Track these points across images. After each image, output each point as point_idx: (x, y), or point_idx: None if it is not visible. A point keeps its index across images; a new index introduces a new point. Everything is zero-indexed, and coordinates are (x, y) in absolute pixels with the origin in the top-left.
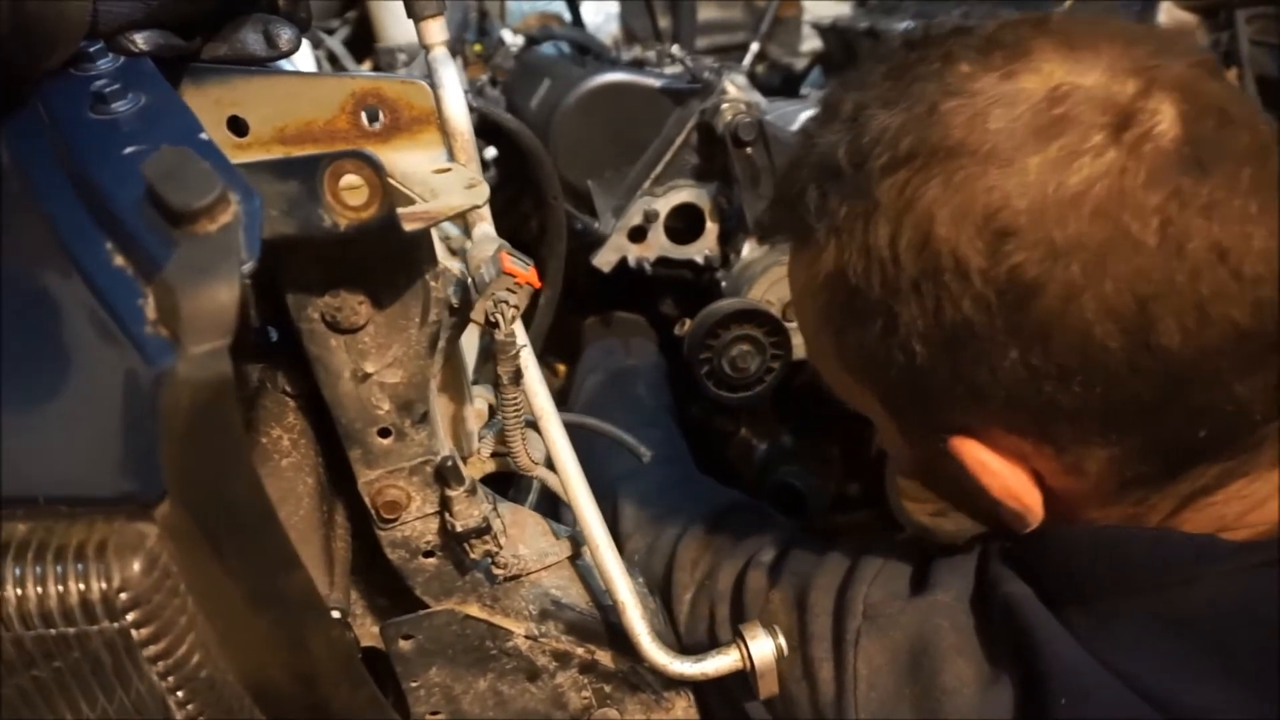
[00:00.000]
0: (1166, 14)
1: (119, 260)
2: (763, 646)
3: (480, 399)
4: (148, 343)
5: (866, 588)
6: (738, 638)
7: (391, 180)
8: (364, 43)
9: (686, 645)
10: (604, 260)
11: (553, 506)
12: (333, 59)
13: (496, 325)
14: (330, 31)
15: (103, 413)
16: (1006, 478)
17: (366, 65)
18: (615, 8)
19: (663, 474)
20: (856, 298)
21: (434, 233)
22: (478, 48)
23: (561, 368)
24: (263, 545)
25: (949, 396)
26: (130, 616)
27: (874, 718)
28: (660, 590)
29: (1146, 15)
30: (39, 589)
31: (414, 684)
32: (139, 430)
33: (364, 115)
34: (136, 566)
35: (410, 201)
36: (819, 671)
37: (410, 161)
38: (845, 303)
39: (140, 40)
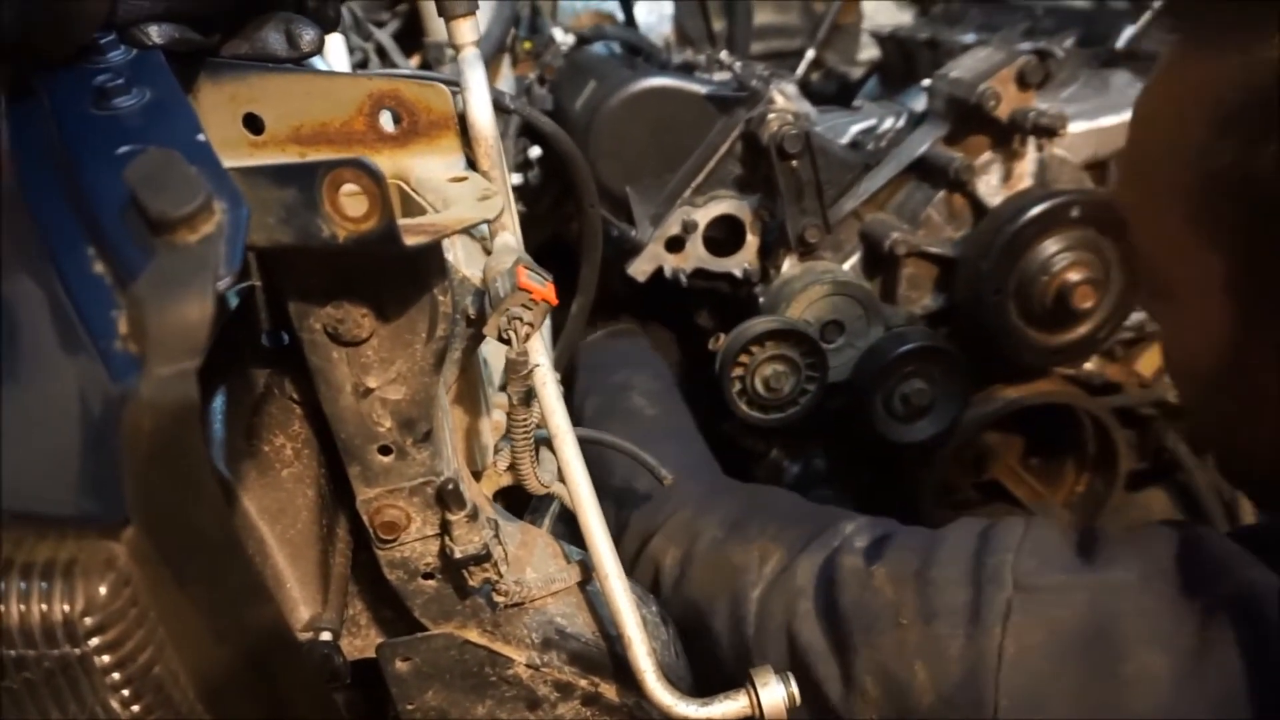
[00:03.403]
0: None
1: (98, 267)
2: (774, 693)
3: (500, 409)
4: (115, 359)
5: (1013, 556)
6: (748, 683)
7: (405, 188)
8: (413, 37)
9: (757, 648)
10: (639, 270)
11: (573, 524)
12: (381, 53)
13: (509, 343)
14: (380, 24)
15: (70, 427)
16: None
17: (415, 60)
18: (670, 8)
19: (689, 487)
20: None
21: (472, 233)
22: (528, 45)
23: None
24: (227, 580)
25: None
26: (93, 642)
27: (1018, 704)
28: (722, 597)
29: None
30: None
31: (410, 707)
32: (103, 450)
33: (388, 116)
34: (103, 589)
35: (422, 211)
36: (946, 649)
37: (427, 168)
38: None
39: (154, 33)
